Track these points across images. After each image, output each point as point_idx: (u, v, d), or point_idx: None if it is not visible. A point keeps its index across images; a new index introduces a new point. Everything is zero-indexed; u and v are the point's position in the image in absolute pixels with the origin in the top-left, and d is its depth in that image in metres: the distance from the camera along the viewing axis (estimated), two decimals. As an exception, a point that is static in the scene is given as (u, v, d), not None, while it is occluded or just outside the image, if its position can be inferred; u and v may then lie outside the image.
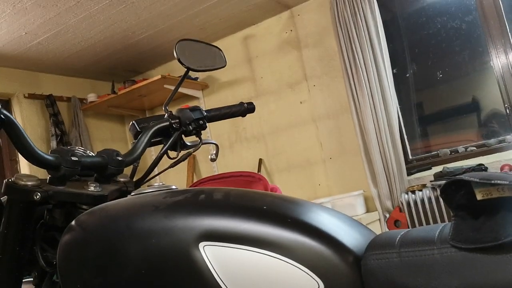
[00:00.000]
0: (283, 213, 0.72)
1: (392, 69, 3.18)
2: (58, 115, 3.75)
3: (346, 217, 0.77)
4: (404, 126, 3.28)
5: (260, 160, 3.84)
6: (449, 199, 0.56)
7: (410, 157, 3.29)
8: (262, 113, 3.84)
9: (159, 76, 3.63)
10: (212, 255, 0.68)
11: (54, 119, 3.72)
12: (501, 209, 0.53)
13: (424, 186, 2.99)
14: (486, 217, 0.54)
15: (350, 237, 0.69)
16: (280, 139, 3.78)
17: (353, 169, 3.43)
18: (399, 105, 3.23)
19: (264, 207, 0.73)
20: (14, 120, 0.82)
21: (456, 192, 0.55)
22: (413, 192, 2.97)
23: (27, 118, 3.65)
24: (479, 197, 0.53)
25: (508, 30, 2.95)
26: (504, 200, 0.53)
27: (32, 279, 0.99)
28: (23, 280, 0.95)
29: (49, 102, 3.75)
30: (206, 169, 4.13)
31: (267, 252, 0.66)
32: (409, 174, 3.15)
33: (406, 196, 2.98)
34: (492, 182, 0.52)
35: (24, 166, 3.52)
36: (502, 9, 2.96)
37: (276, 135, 3.80)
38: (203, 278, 0.67)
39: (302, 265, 0.65)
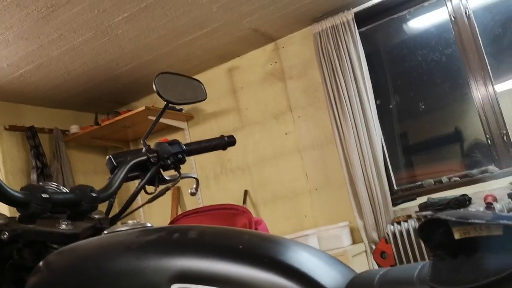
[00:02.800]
0: (259, 252, 0.69)
1: (376, 100, 3.22)
2: (39, 147, 3.70)
3: (325, 256, 0.75)
4: (389, 156, 3.30)
5: (246, 192, 3.81)
6: (427, 238, 0.54)
7: (395, 187, 3.29)
8: (247, 144, 3.83)
9: (143, 108, 3.62)
10: (184, 298, 0.65)
11: (35, 151, 3.66)
12: (479, 249, 0.52)
13: (409, 217, 2.98)
14: (465, 257, 0.52)
15: (328, 277, 0.67)
16: (265, 170, 3.76)
17: (338, 200, 3.41)
18: (383, 135, 3.25)
19: (240, 246, 0.70)
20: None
21: (434, 231, 0.54)
22: (399, 223, 2.96)
23: (7, 150, 3.58)
24: (456, 236, 0.52)
25: (487, 62, 3.02)
26: (482, 239, 0.51)
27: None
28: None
29: (30, 134, 3.70)
30: (191, 201, 4.08)
31: (241, 293, 0.64)
32: (394, 204, 3.14)
33: (392, 227, 2.96)
34: (469, 221, 0.50)
35: None
36: (480, 42, 3.04)
37: (262, 166, 3.78)
38: (175, 323, 0.64)
39: (278, 307, 0.62)
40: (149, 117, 3.67)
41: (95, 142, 4.15)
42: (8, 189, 0.82)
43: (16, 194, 0.83)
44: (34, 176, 3.55)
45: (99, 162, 4.34)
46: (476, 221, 0.49)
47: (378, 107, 3.22)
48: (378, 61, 3.47)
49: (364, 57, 3.20)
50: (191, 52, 3.57)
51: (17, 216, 0.86)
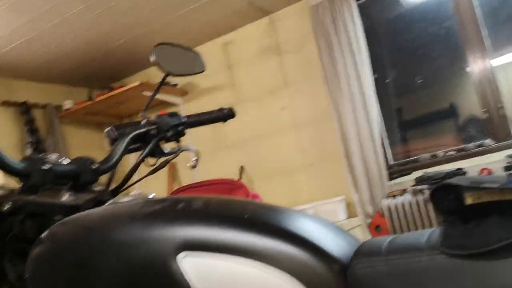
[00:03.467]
0: (265, 221, 0.69)
1: (373, 75, 3.19)
2: (33, 123, 3.66)
3: (331, 225, 0.75)
4: (385, 131, 3.30)
5: (241, 168, 3.81)
6: (438, 204, 0.54)
7: (391, 162, 3.30)
8: (243, 120, 3.81)
9: (138, 83, 3.58)
10: (191, 265, 0.65)
11: (29, 127, 3.62)
12: (491, 214, 0.52)
13: (404, 191, 3.00)
14: (476, 222, 0.52)
15: (335, 245, 0.67)
16: (261, 146, 3.75)
17: (334, 175, 3.42)
18: (380, 110, 3.24)
19: (246, 216, 0.70)
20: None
21: (445, 196, 0.53)
22: (394, 197, 2.98)
23: (0, 126, 3.55)
24: (468, 201, 0.52)
25: (484, 36, 3.00)
26: (494, 204, 0.51)
27: (1, 294, 0.94)
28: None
29: (23, 109, 3.65)
30: (186, 177, 4.08)
31: (249, 260, 0.64)
32: (390, 179, 3.16)
33: (387, 201, 2.98)
34: (482, 186, 0.50)
35: (-2, 175, 3.42)
36: (478, 15, 3.01)
37: (257, 142, 3.77)
38: (182, 290, 0.64)
39: (287, 273, 0.63)
40: (143, 92, 3.64)
41: (89, 118, 4.11)
42: (9, 160, 0.81)
43: (17, 165, 0.82)
44: (28, 152, 3.53)
45: (94, 138, 4.31)
46: (489, 185, 0.49)
47: (375, 81, 3.20)
48: (376, 35, 3.43)
49: (362, 30, 3.16)
50: (186, 25, 3.51)
51: (18, 187, 0.85)
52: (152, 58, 1.14)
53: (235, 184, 2.62)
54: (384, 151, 3.22)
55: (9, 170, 0.81)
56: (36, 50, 3.34)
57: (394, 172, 3.22)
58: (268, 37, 3.71)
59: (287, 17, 3.61)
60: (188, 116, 1.22)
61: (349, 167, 3.19)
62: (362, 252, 0.62)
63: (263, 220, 0.69)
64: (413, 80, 3.34)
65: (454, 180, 0.51)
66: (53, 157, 0.94)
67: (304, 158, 3.57)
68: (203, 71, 1.31)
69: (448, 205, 0.53)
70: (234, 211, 0.72)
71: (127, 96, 3.72)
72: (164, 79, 1.19)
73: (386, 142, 3.30)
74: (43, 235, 0.74)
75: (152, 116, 1.15)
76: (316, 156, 3.53)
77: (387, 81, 3.42)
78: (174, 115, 1.16)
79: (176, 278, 0.64)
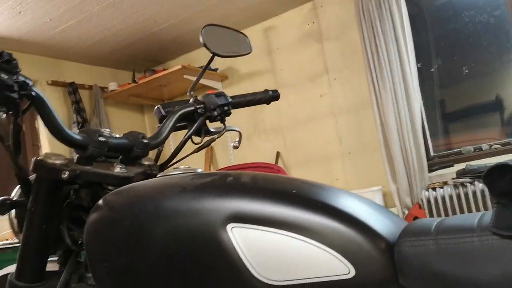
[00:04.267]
0: (312, 197, 0.71)
1: (417, 64, 3.13)
2: (79, 103, 3.79)
3: (377, 205, 0.75)
4: (427, 122, 3.23)
5: (278, 153, 3.83)
6: (492, 185, 0.54)
7: (432, 153, 3.24)
8: (281, 106, 3.82)
9: (179, 66, 3.63)
10: (239, 236, 0.67)
11: (76, 106, 3.76)
12: (546, 197, 0.51)
13: (445, 183, 2.94)
14: (530, 205, 0.52)
15: (382, 223, 0.67)
16: (298, 132, 3.76)
17: (372, 164, 3.39)
18: (422, 100, 3.18)
19: (293, 191, 0.71)
20: (45, 98, 0.82)
21: (500, 178, 0.53)
22: (434, 189, 2.93)
23: (49, 105, 3.68)
24: (523, 183, 0.51)
25: (537, 26, 2.88)
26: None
27: (57, 258, 0.99)
28: (48, 260, 0.96)
29: (71, 89, 3.79)
30: (223, 160, 4.14)
31: (296, 235, 0.65)
32: (430, 171, 3.10)
33: (426, 193, 2.93)
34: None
35: (46, 151, 3.56)
36: (531, 4, 2.89)
37: (295, 128, 3.77)
38: (230, 260, 0.66)
39: (333, 249, 0.64)
40: (185, 76, 3.69)
41: (132, 100, 4.22)
42: (68, 131, 0.85)
43: (75, 136, 0.86)
44: (75, 131, 3.65)
45: (136, 119, 4.43)
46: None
47: (418, 70, 3.14)
48: (422, 22, 3.35)
49: (407, 17, 3.09)
50: (228, 11, 3.53)
51: (75, 158, 0.89)
52: (201, 39, 1.16)
53: (273, 168, 2.64)
54: (425, 142, 3.16)
55: (69, 141, 0.85)
56: (84, 32, 3.44)
57: (435, 164, 3.16)
58: (310, 23, 3.68)
59: (330, 3, 3.57)
60: (233, 97, 1.24)
61: (388, 157, 3.16)
62: (410, 232, 0.63)
63: (311, 196, 0.70)
64: (459, 70, 3.25)
65: (510, 161, 0.51)
66: (106, 131, 0.98)
67: (342, 146, 3.55)
68: (249, 52, 1.32)
69: (502, 187, 0.53)
70: (282, 186, 0.74)
71: (169, 79, 3.79)
72: (211, 59, 1.21)
73: (428, 133, 3.24)
74: (99, 202, 0.78)
75: (199, 96, 1.18)
76: (353, 144, 3.50)
77: (432, 70, 3.34)
78: (220, 95, 1.19)
79: (225, 246, 0.66)
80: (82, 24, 3.31)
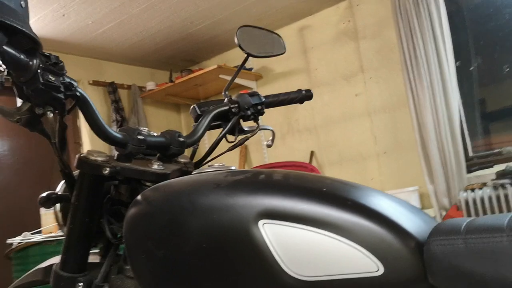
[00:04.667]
0: (343, 195, 0.72)
1: (455, 62, 3.07)
2: (119, 102, 3.91)
3: (407, 204, 0.76)
4: (466, 122, 3.16)
5: (312, 153, 3.83)
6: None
7: (471, 154, 3.16)
8: (316, 105, 3.81)
9: (215, 66, 3.68)
10: (271, 233, 0.69)
11: (115, 105, 3.87)
12: None
13: (484, 184, 2.87)
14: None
15: (412, 222, 0.68)
16: (333, 131, 3.74)
17: (408, 164, 3.34)
18: (461, 99, 3.11)
19: (324, 189, 0.73)
20: (88, 98, 0.87)
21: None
22: (473, 190, 2.86)
23: (90, 104, 3.81)
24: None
25: None
26: None
27: (98, 250, 1.04)
28: (90, 252, 1.01)
29: (111, 89, 3.91)
30: (257, 159, 4.17)
31: (326, 232, 0.67)
32: (469, 171, 3.03)
33: (464, 194, 2.87)
34: None
35: (87, 148, 3.69)
36: None
37: (329, 128, 3.76)
38: (262, 255, 0.68)
39: (362, 247, 0.65)
40: (221, 75, 3.74)
41: (169, 99, 4.31)
42: (110, 130, 0.89)
43: (116, 134, 0.91)
44: (114, 129, 3.77)
45: (172, 118, 4.52)
46: None
47: (457, 69, 3.07)
48: (460, 20, 3.27)
49: (446, 14, 3.03)
50: (263, 10, 3.56)
51: (115, 155, 0.94)
52: (236, 40, 1.19)
53: (307, 167, 2.65)
54: (464, 142, 3.09)
55: (110, 139, 0.90)
56: (124, 33, 3.55)
57: (474, 165, 3.08)
58: (346, 22, 3.66)
59: (366, 1, 3.54)
60: (267, 96, 1.26)
61: (425, 157, 3.10)
62: (439, 231, 0.63)
63: (341, 194, 0.72)
64: (499, 69, 3.15)
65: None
66: (144, 130, 1.02)
67: (377, 146, 3.52)
68: (283, 53, 1.34)
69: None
70: (313, 184, 0.75)
71: (205, 78, 3.85)
72: (245, 60, 1.24)
73: (466, 132, 3.16)
74: (138, 197, 0.81)
75: (233, 95, 1.20)
76: (389, 144, 3.46)
77: (471, 69, 3.26)
78: (254, 94, 1.21)
79: (257, 241, 0.68)
80: (122, 26, 3.41)
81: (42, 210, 2.35)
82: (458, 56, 3.11)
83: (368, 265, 0.64)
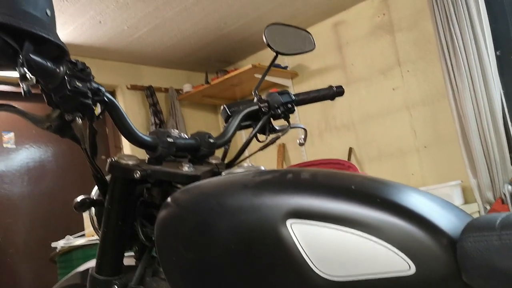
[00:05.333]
0: (372, 193, 0.70)
1: (495, 51, 2.95)
2: (157, 105, 3.98)
3: (440, 200, 0.73)
4: (508, 112, 3.02)
5: (350, 149, 3.77)
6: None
7: (516, 145, 3.03)
8: (353, 101, 3.75)
9: (250, 66, 3.69)
10: (299, 232, 0.68)
11: (154, 108, 3.95)
12: None
13: (532, 177, 2.75)
14: None
15: (444, 219, 0.66)
16: (371, 127, 3.68)
17: (449, 158, 3.24)
18: (503, 89, 2.98)
19: (353, 187, 0.71)
20: (117, 103, 0.89)
21: None
22: (519, 183, 2.74)
23: (129, 108, 3.91)
24: None
25: None
26: None
27: (133, 253, 1.06)
28: (125, 255, 1.03)
29: (149, 92, 3.99)
30: (295, 157, 4.15)
31: (355, 231, 0.65)
32: (514, 163, 2.91)
33: (509, 187, 2.76)
34: None
35: (127, 153, 3.78)
36: None
37: (367, 123, 3.70)
38: (291, 255, 0.68)
39: (392, 245, 0.63)
40: (255, 75, 3.75)
41: (206, 101, 4.36)
42: (139, 134, 0.91)
43: (146, 138, 0.92)
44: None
45: (210, 119, 4.57)
46: None
47: (497, 58, 2.95)
48: (499, 7, 3.14)
49: (483, 2, 2.92)
50: (297, 8, 3.53)
51: (146, 158, 0.95)
52: (264, 39, 1.19)
53: (344, 164, 2.62)
54: (507, 133, 2.96)
55: (139, 142, 0.91)
56: (159, 37, 3.61)
57: (519, 156, 2.95)
58: (380, 15, 3.59)
59: (401, -7, 3.46)
60: (297, 94, 1.25)
61: (467, 150, 3.00)
62: (473, 227, 0.61)
63: (370, 192, 0.70)
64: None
65: None
66: (175, 132, 1.04)
67: (417, 140, 3.43)
68: (313, 49, 1.33)
69: None
70: (341, 182, 0.74)
71: (240, 78, 3.87)
72: (274, 58, 1.23)
73: (510, 123, 3.03)
74: (168, 200, 0.82)
75: (263, 95, 1.20)
76: (429, 137, 3.36)
77: (513, 57, 3.12)
78: (284, 93, 1.20)
79: (286, 242, 0.68)
80: (157, 30, 3.47)
81: (85, 214, 2.43)
82: (498, 45, 2.99)
83: (399, 264, 0.63)
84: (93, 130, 0.88)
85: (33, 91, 0.73)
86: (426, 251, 0.62)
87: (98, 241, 0.99)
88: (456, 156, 3.15)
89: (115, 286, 0.95)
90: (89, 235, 2.25)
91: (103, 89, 0.85)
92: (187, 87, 4.21)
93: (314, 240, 0.67)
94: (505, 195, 2.77)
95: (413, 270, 0.62)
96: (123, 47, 3.68)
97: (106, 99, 0.85)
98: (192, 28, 3.56)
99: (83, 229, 2.34)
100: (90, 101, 0.82)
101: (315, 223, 0.68)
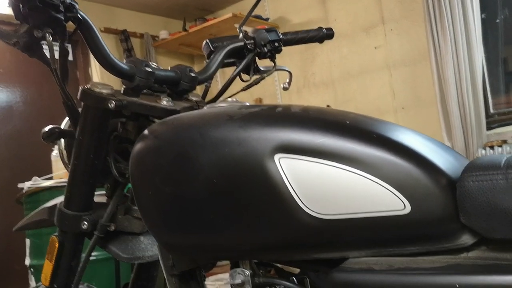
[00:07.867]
0: (367, 129, 0.66)
1: (481, 14, 2.91)
2: (131, 51, 3.83)
3: (438, 142, 0.70)
4: (488, 77, 3.03)
5: (328, 107, 3.74)
6: None
7: (492, 110, 3.05)
8: (333, 58, 3.69)
9: (230, 15, 3.57)
10: (287, 167, 0.64)
11: (128, 54, 3.80)
12: None
13: (504, 142, 2.79)
14: None
15: (443, 158, 0.62)
16: (350, 85, 3.64)
17: (426, 120, 3.25)
18: (485, 54, 2.97)
19: (347, 122, 0.67)
20: (91, 23, 0.80)
21: None
22: (492, 147, 2.78)
23: (101, 52, 3.74)
24: None
25: None
26: None
27: (104, 192, 1.00)
28: (96, 193, 0.97)
29: (123, 37, 3.82)
30: (272, 113, 4.10)
31: (347, 167, 0.61)
32: (488, 128, 2.94)
33: (483, 151, 2.79)
34: None
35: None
36: None
37: (347, 82, 3.65)
38: (277, 191, 0.63)
39: (387, 183, 0.59)
40: (235, 25, 3.62)
41: (183, 49, 4.21)
42: (116, 60, 0.83)
43: (122, 65, 0.84)
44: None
45: (186, 69, 4.44)
46: None
47: (482, 21, 2.92)
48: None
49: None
50: (282, -44, 3.39)
51: (121, 89, 0.88)
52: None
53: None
54: (485, 98, 2.98)
55: (115, 69, 0.84)
56: (135, -23, 3.42)
57: (494, 122, 2.99)
58: (367, -30, 3.48)
59: None
60: (285, 33, 1.18)
61: (444, 113, 3.01)
62: (476, 166, 0.57)
63: (365, 128, 0.66)
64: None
65: None
66: (153, 64, 0.96)
67: (395, 101, 3.42)
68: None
69: None
70: (334, 117, 0.69)
71: (220, 28, 3.74)
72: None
73: (488, 89, 3.04)
74: (144, 132, 0.76)
75: (249, 31, 1.13)
76: (408, 99, 3.36)
77: (497, 21, 3.10)
78: (271, 30, 1.13)
79: (272, 177, 0.63)
80: (134, -30, 3.28)
81: (53, 157, 2.34)
82: (484, 7, 2.95)
83: (394, 203, 0.59)
84: (64, 51, 0.80)
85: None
86: (423, 191, 0.58)
87: (66, 184, 0.93)
88: (432, 118, 3.16)
89: (85, 222, 0.89)
90: (56, 178, 2.18)
91: (77, 6, 0.77)
92: (163, 34, 4.05)
93: (303, 176, 0.63)
94: (478, 157, 2.81)
95: (408, 209, 0.59)
96: (97, -14, 3.48)
97: (80, 17, 0.77)
98: (171, -29, 3.38)
99: (51, 172, 2.26)
100: (61, 16, 0.73)
101: (305, 158, 0.63)
